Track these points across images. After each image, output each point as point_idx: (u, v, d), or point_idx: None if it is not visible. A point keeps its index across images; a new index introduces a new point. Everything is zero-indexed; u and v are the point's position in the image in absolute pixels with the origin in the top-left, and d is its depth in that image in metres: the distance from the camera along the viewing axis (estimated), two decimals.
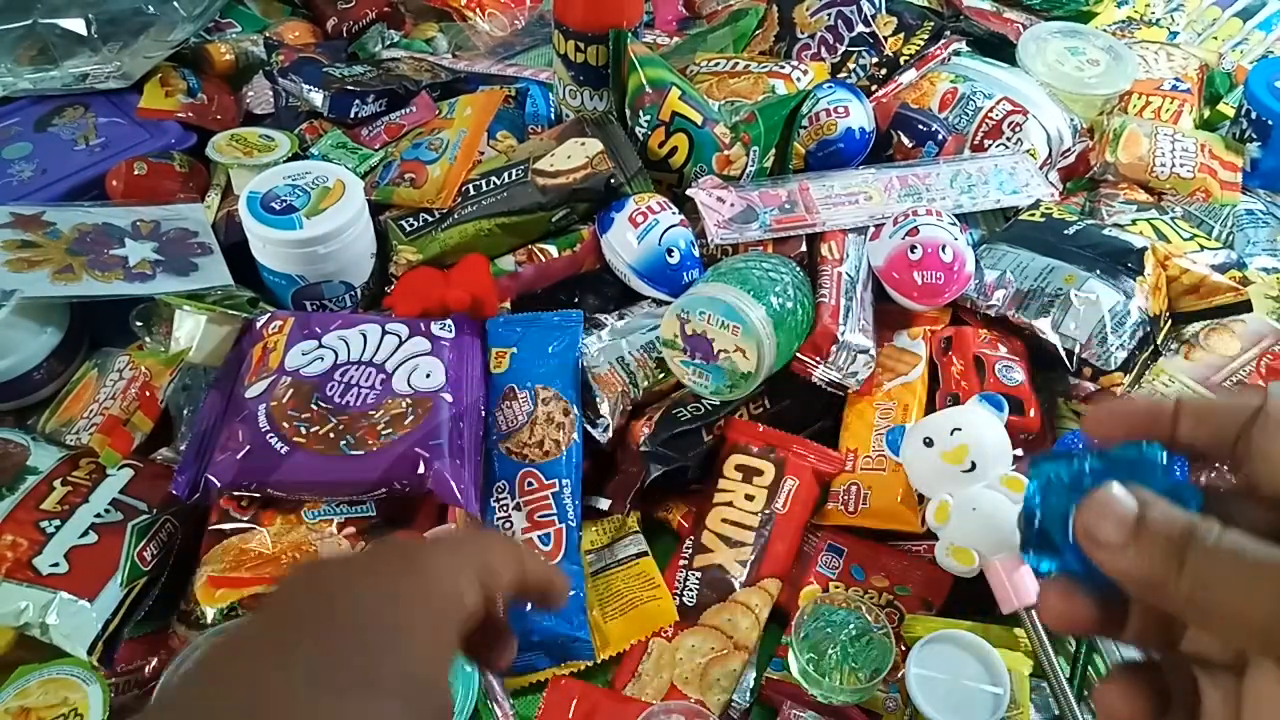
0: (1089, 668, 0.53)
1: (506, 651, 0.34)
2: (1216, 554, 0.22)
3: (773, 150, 0.73)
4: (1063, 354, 0.62)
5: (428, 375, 0.59)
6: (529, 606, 0.39)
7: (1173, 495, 0.25)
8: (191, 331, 0.61)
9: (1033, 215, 0.71)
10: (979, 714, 0.48)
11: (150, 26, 0.83)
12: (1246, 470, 0.26)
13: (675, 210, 0.68)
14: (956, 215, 0.69)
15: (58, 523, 0.53)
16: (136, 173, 0.73)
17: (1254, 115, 0.80)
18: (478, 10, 0.93)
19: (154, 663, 0.53)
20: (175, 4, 0.84)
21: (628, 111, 0.74)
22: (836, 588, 0.56)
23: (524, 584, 0.33)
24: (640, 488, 0.58)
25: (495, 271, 0.66)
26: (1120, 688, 0.27)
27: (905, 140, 0.79)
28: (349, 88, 0.79)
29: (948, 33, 0.86)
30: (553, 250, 0.68)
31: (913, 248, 0.64)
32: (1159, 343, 0.65)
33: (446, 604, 0.30)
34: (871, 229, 0.68)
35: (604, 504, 0.60)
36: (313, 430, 0.55)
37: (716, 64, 0.81)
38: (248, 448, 0.54)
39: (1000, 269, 0.66)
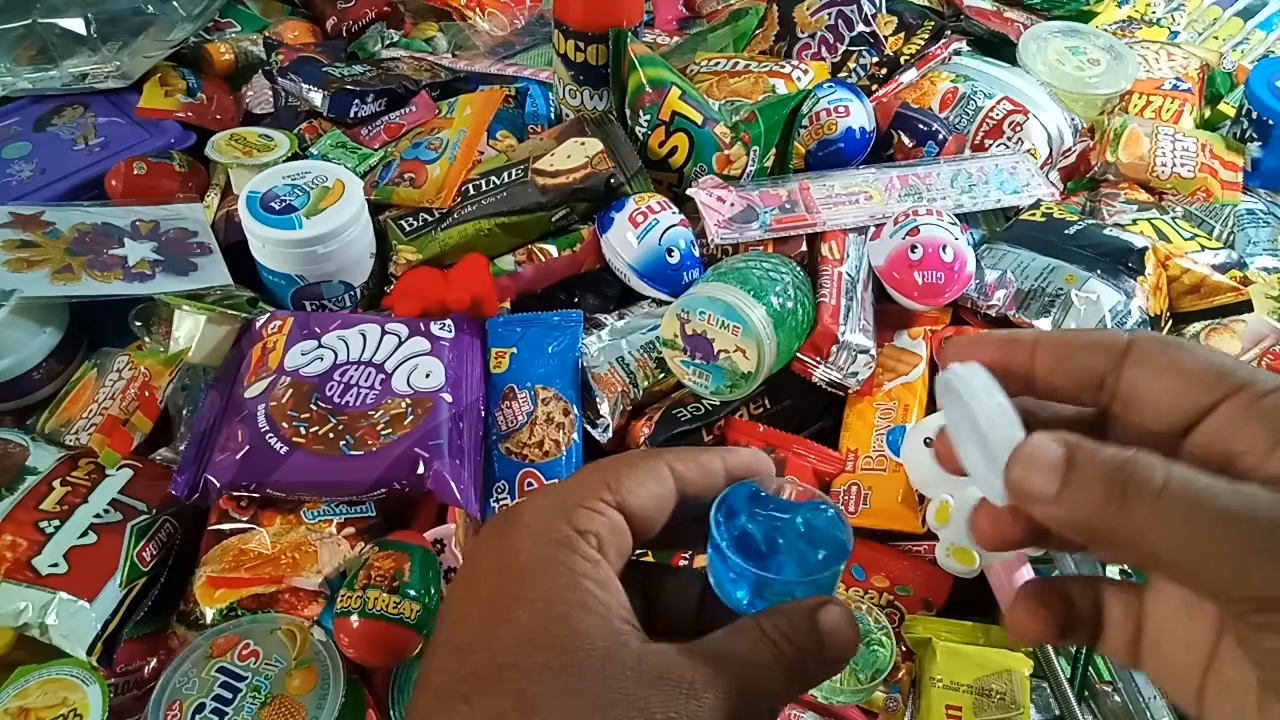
0: (1089, 668, 0.53)
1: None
2: (1167, 499, 0.20)
3: (773, 150, 0.73)
4: None
5: (427, 375, 0.59)
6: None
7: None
8: (191, 331, 0.61)
9: (1033, 215, 0.71)
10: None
11: (149, 26, 0.83)
12: (1114, 413, 0.24)
13: (675, 210, 0.68)
14: (957, 215, 0.69)
15: (57, 523, 0.53)
16: (136, 172, 0.73)
17: (1255, 115, 0.80)
18: (477, 10, 0.93)
19: (153, 663, 0.53)
20: (175, 3, 0.84)
21: (628, 111, 0.74)
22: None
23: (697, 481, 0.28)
24: None
25: (495, 271, 0.66)
26: (1026, 605, 0.27)
27: (906, 140, 0.79)
28: (348, 87, 0.79)
29: (948, 32, 0.86)
30: (552, 250, 0.67)
31: (913, 248, 0.64)
32: None
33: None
34: (872, 229, 0.68)
35: None
36: (312, 430, 0.55)
37: (717, 63, 0.81)
38: (247, 448, 0.54)
39: (1001, 269, 0.66)
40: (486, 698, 0.23)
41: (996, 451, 0.23)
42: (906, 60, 0.83)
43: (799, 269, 0.64)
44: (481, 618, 0.25)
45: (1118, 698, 0.52)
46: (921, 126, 0.78)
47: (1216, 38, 0.98)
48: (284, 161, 0.72)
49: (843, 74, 0.82)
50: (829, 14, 0.82)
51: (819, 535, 0.28)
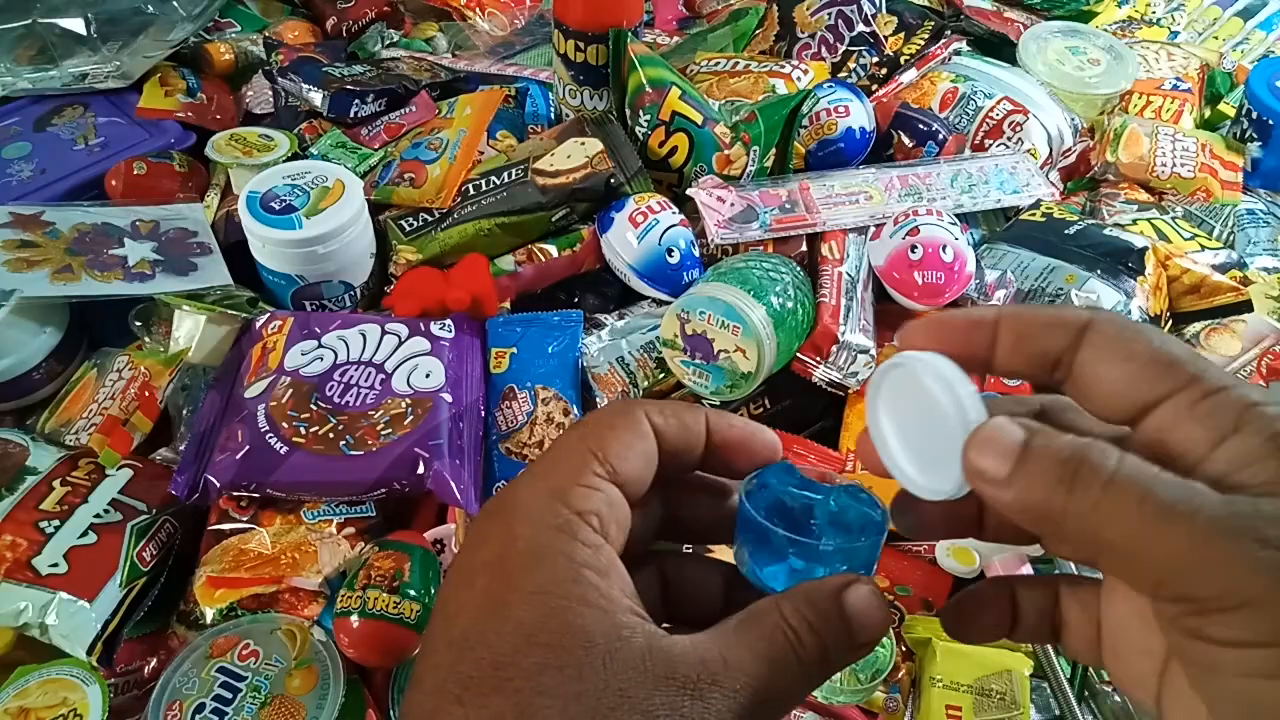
0: (1089, 667, 0.53)
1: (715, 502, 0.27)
2: (1116, 487, 0.20)
3: (773, 150, 0.73)
4: None
5: (427, 375, 0.59)
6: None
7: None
8: (191, 331, 0.61)
9: (1033, 215, 0.71)
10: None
11: (149, 26, 0.83)
12: (1072, 394, 0.24)
13: (675, 210, 0.68)
14: (957, 215, 0.69)
15: (57, 523, 0.53)
16: (136, 172, 0.73)
17: (1255, 115, 0.80)
18: (477, 10, 0.93)
19: (153, 663, 0.53)
20: (174, 3, 0.84)
21: (628, 111, 0.74)
22: None
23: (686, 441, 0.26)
24: None
25: (495, 271, 0.66)
26: (958, 608, 0.27)
27: (906, 140, 0.79)
28: (348, 87, 0.79)
29: (948, 32, 0.86)
30: (552, 250, 0.67)
31: (913, 247, 0.64)
32: None
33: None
34: (872, 229, 0.68)
35: None
36: (312, 430, 0.55)
37: (717, 63, 0.81)
38: (247, 448, 0.54)
39: (1001, 269, 0.66)
40: (481, 698, 0.22)
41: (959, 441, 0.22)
42: (906, 60, 0.83)
43: (799, 269, 0.64)
44: (477, 613, 0.23)
45: (1118, 698, 0.52)
46: (921, 126, 0.78)
47: (1216, 38, 0.98)
48: (284, 161, 0.72)
49: (843, 74, 0.82)
50: (829, 14, 0.82)
51: (853, 514, 0.27)
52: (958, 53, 0.85)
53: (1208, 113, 0.89)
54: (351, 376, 0.58)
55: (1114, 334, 0.22)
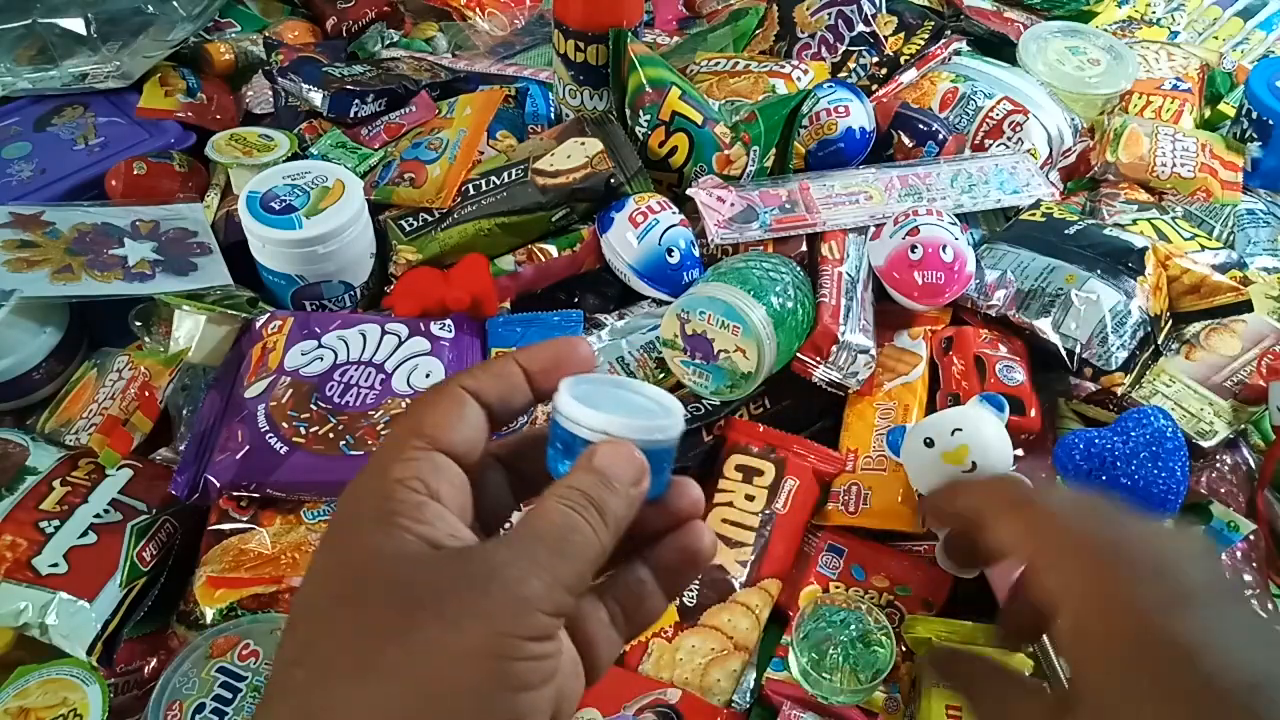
0: None
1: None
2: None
3: (773, 150, 0.73)
4: (1063, 354, 0.62)
5: (427, 375, 0.59)
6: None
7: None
8: (191, 331, 0.61)
9: (1033, 215, 0.71)
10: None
11: (149, 26, 0.83)
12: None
13: (675, 210, 0.68)
14: (957, 215, 0.69)
15: (57, 523, 0.53)
16: (136, 172, 0.73)
17: (1255, 115, 0.80)
18: (477, 9, 0.93)
19: (153, 663, 0.53)
20: (174, 3, 0.84)
21: (627, 111, 0.74)
22: (837, 588, 0.56)
23: (508, 390, 0.29)
24: None
25: (495, 271, 0.66)
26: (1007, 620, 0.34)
27: (906, 140, 0.79)
28: (348, 87, 0.79)
29: (948, 32, 0.86)
30: (552, 250, 0.67)
31: (913, 247, 0.64)
32: (1160, 343, 0.65)
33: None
34: (872, 229, 0.68)
35: None
36: (312, 430, 0.55)
37: (717, 63, 0.81)
38: (247, 448, 0.54)
39: (1001, 269, 0.66)
40: (312, 652, 0.24)
41: None
42: (906, 60, 0.83)
43: (799, 269, 0.64)
44: (304, 580, 0.26)
45: None
46: (921, 126, 0.78)
47: (1216, 38, 0.98)
48: (284, 161, 0.72)
49: (843, 74, 0.82)
50: (829, 14, 0.82)
51: (662, 401, 0.29)
52: (958, 53, 0.85)
53: (1208, 113, 0.89)
54: (351, 376, 0.58)
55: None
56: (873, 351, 0.62)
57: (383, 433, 0.55)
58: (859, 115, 0.76)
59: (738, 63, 0.80)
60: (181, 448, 0.59)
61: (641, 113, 0.72)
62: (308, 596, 0.26)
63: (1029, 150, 0.77)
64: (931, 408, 0.63)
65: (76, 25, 0.81)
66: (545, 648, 0.24)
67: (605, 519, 0.26)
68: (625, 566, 0.30)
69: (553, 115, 0.82)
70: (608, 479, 0.26)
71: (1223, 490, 0.59)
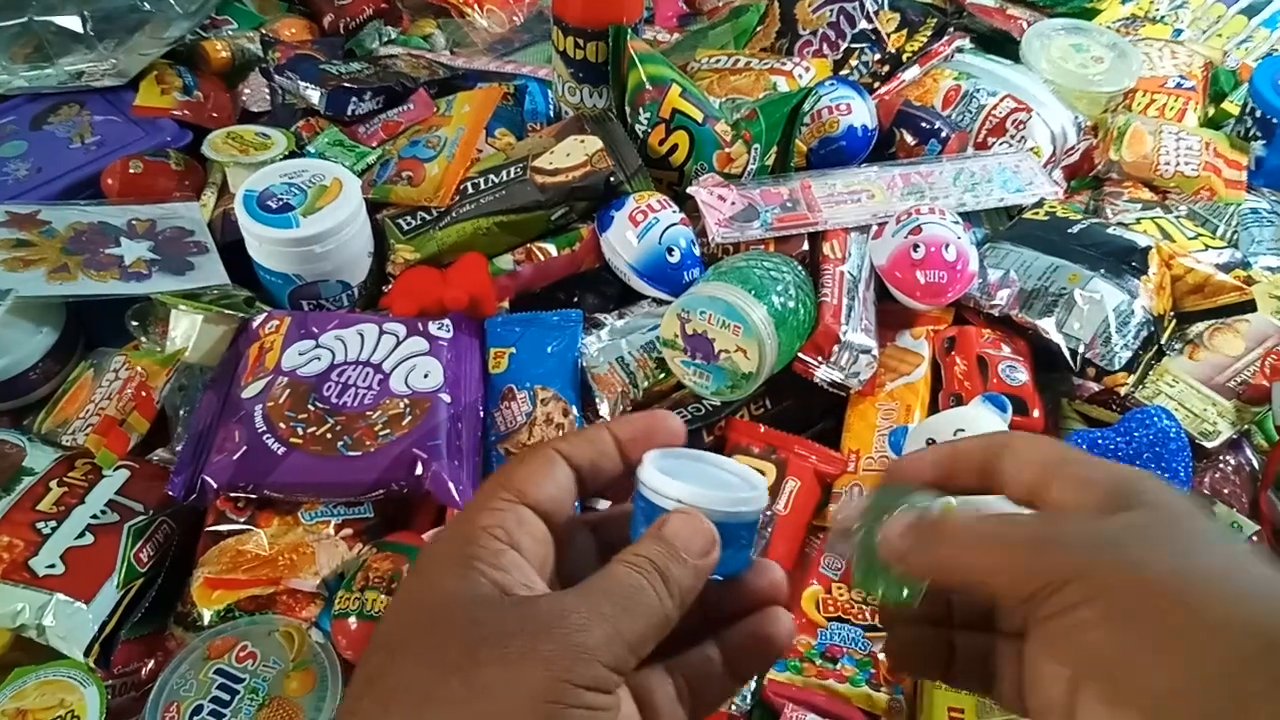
0: None
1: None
2: (947, 533, 0.28)
3: (774, 148, 0.72)
4: (1066, 354, 0.62)
5: (425, 375, 0.58)
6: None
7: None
8: (188, 331, 0.61)
9: (1037, 214, 0.71)
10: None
11: (146, 23, 0.82)
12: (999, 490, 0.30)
13: (676, 209, 0.68)
14: (960, 214, 0.69)
15: (54, 524, 0.53)
16: (132, 171, 0.73)
17: (1258, 113, 0.80)
18: (476, 7, 0.93)
19: (151, 664, 0.52)
20: (171, 1, 0.83)
21: (627, 109, 0.73)
22: (839, 589, 0.56)
23: (596, 462, 0.30)
24: None
25: (494, 270, 0.66)
26: (897, 644, 0.32)
27: (908, 138, 0.78)
28: (346, 85, 0.79)
29: (951, 29, 0.86)
30: (552, 249, 0.67)
31: (915, 247, 0.64)
32: (1163, 342, 0.65)
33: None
34: (874, 228, 0.68)
35: (604, 505, 0.59)
36: (310, 431, 0.55)
37: (717, 61, 0.80)
38: (244, 449, 0.54)
39: (1004, 268, 0.66)
40: (379, 683, 0.25)
41: None
42: (909, 58, 0.83)
43: (800, 268, 0.64)
44: (387, 613, 0.27)
45: None
46: (924, 124, 0.78)
47: (1220, 35, 0.97)
48: (281, 160, 0.71)
49: (844, 71, 0.82)
50: (831, 11, 0.82)
51: (747, 477, 0.30)
52: (960, 50, 0.84)
53: (1211, 111, 0.89)
54: (349, 377, 0.58)
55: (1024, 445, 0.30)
56: (875, 351, 0.62)
57: (381, 433, 0.55)
58: (861, 113, 0.75)
59: (739, 60, 0.80)
60: (178, 448, 0.59)
61: (641, 110, 0.71)
62: (383, 630, 0.27)
63: (1032, 148, 0.76)
64: (934, 408, 0.62)
65: (73, 23, 0.80)
66: (601, 699, 0.24)
67: (669, 586, 0.27)
68: (698, 644, 0.30)
69: (552, 113, 0.82)
70: (674, 549, 0.27)
71: (1226, 491, 0.59)
